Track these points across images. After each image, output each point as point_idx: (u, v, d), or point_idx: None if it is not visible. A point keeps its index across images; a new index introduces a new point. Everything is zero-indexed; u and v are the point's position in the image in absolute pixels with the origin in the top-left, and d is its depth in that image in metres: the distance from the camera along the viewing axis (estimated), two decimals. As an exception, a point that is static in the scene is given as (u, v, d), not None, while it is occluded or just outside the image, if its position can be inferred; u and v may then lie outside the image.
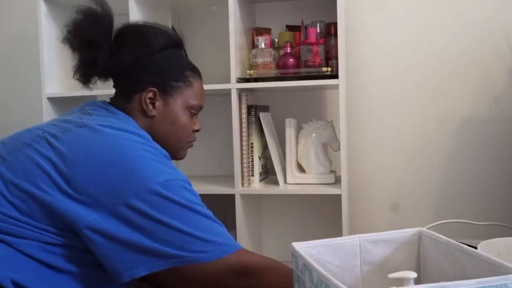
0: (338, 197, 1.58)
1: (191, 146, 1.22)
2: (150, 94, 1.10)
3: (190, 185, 1.03)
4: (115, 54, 1.09)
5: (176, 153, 1.18)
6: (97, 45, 1.07)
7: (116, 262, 0.93)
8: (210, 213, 1.01)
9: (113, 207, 0.92)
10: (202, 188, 1.71)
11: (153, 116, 1.11)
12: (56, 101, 1.81)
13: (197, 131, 1.21)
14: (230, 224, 1.78)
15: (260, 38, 1.68)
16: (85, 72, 1.11)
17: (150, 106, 1.10)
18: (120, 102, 1.12)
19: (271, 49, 1.69)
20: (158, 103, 1.11)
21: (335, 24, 1.60)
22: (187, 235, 0.94)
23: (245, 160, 1.66)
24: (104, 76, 1.13)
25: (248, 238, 1.73)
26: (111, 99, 1.15)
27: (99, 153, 0.95)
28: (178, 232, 0.94)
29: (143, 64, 1.10)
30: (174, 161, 2.00)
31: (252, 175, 1.67)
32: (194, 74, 1.19)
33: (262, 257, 1.09)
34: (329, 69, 1.60)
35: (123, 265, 0.93)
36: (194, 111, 1.17)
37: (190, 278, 0.97)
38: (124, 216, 0.92)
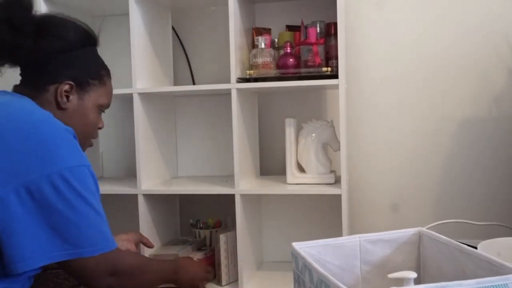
0: (338, 197, 1.58)
1: (92, 145, 1.25)
2: (67, 87, 1.12)
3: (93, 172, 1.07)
4: (37, 42, 1.09)
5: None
6: (21, 30, 1.07)
7: (10, 247, 0.93)
8: (100, 207, 1.05)
9: (18, 182, 0.93)
10: (202, 188, 1.71)
11: (65, 109, 1.13)
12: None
13: (100, 128, 1.25)
14: (230, 224, 1.78)
15: (260, 38, 1.68)
16: (1, 55, 1.10)
17: (65, 99, 1.12)
18: (27, 90, 1.11)
19: (271, 49, 1.69)
20: (72, 97, 1.13)
21: (335, 24, 1.60)
22: (76, 227, 0.98)
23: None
24: (17, 62, 1.13)
25: (248, 238, 1.73)
26: (15, 87, 1.15)
27: (13, 128, 0.97)
28: (69, 223, 0.97)
29: (65, 57, 1.13)
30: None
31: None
32: (107, 74, 1.22)
33: (133, 257, 1.16)
34: (329, 69, 1.60)
35: (17, 252, 0.93)
36: (103, 109, 1.22)
37: (73, 270, 1.02)
38: (27, 193, 0.93)
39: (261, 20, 1.92)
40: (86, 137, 1.19)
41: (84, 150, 1.18)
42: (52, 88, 1.11)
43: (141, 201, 1.70)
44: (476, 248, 1.12)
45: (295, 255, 1.05)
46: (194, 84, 2.00)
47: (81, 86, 1.15)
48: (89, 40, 1.19)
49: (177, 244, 1.80)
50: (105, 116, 2.07)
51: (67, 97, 1.13)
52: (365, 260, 1.13)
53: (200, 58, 2.01)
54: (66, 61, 1.13)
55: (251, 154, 1.80)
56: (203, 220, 1.92)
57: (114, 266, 1.05)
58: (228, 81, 1.63)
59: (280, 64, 1.66)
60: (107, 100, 1.22)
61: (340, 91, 1.58)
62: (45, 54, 1.11)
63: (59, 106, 1.12)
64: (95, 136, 1.23)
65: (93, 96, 1.17)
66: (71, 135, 1.04)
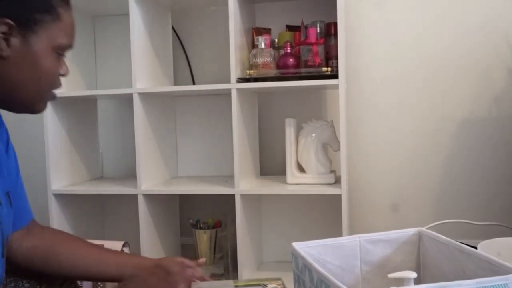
0: (338, 197, 1.58)
1: (54, 98, 0.99)
2: (4, 28, 0.84)
3: None
4: None
5: (34, 105, 0.95)
6: None
7: None
8: None
9: None
10: (202, 188, 1.71)
11: (5, 58, 0.86)
12: (57, 102, 1.81)
13: (63, 75, 0.98)
14: (230, 223, 1.78)
15: (260, 38, 1.68)
16: None
17: (4, 44, 0.85)
18: None
19: (271, 49, 1.69)
20: (14, 40, 0.86)
21: (335, 24, 1.60)
22: None
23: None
24: None
25: (248, 238, 1.73)
26: None
27: None
28: None
29: None
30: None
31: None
32: (63, 3, 0.93)
33: None
34: (329, 69, 1.60)
35: None
36: (62, 52, 0.94)
37: None
38: None
39: (261, 20, 1.92)
40: (41, 89, 0.93)
41: (42, 106, 0.96)
42: None
43: (141, 201, 1.70)
44: (476, 248, 1.12)
45: (295, 255, 1.05)
46: (194, 84, 2.00)
47: (25, 24, 0.86)
48: None
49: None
50: (105, 116, 2.09)
51: (7, 41, 0.85)
52: (365, 260, 1.13)
53: (200, 58, 2.01)
54: None
55: (251, 154, 1.80)
56: (203, 220, 1.92)
57: None
58: (228, 81, 1.63)
59: (280, 64, 1.66)
60: (66, 39, 0.93)
61: (340, 91, 1.58)
62: None
63: None
64: (56, 86, 0.97)
65: (44, 37, 0.89)
66: None
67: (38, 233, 1.07)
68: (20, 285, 1.03)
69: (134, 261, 1.10)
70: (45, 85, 0.93)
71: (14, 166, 1.03)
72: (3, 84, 0.88)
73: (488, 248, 1.21)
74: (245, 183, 1.70)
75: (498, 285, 0.78)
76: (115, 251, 1.17)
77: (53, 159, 1.78)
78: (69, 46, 0.95)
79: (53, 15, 0.90)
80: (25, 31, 0.87)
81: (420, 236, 1.15)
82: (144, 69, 1.74)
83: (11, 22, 0.85)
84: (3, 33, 0.85)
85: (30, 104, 0.94)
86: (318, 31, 1.71)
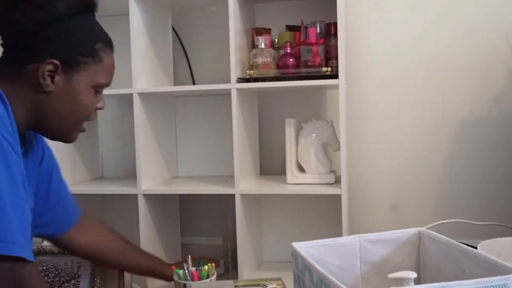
0: (338, 197, 1.58)
1: (84, 130, 1.08)
2: (50, 67, 0.95)
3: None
4: (8, 17, 0.93)
5: (67, 135, 1.05)
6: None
7: None
8: (20, 201, 0.88)
9: None
10: (202, 188, 1.71)
11: (49, 92, 0.97)
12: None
13: (100, 109, 1.08)
14: (230, 224, 1.78)
15: (260, 38, 1.68)
16: None
17: (49, 80, 0.96)
18: (5, 69, 0.97)
19: (271, 49, 1.69)
20: (58, 78, 0.97)
21: (335, 24, 1.60)
22: None
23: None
24: None
25: (248, 238, 1.73)
26: None
27: None
28: None
29: (44, 32, 0.95)
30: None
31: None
32: (106, 47, 1.04)
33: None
34: (329, 69, 1.60)
35: None
36: (100, 89, 1.05)
37: None
38: None
39: (261, 20, 1.92)
40: (76, 122, 1.03)
41: (74, 136, 1.06)
42: (31, 67, 0.95)
43: (141, 201, 1.70)
44: (476, 248, 1.12)
45: (295, 255, 1.05)
46: (194, 84, 2.00)
47: (69, 65, 0.97)
48: (78, 7, 0.99)
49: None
50: (105, 116, 2.09)
51: (51, 78, 0.96)
52: (365, 260, 1.13)
53: (200, 58, 2.01)
54: (46, 36, 0.95)
55: (251, 154, 1.80)
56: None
57: (21, 280, 0.86)
58: (228, 81, 1.63)
59: (280, 64, 1.66)
60: (105, 79, 1.04)
61: (340, 91, 1.58)
62: (20, 31, 0.94)
63: (39, 89, 0.96)
64: (91, 119, 1.06)
65: (85, 76, 1.00)
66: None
67: (90, 229, 1.31)
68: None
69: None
70: (80, 118, 1.03)
71: (47, 176, 1.17)
72: (43, 115, 0.98)
73: (488, 248, 1.21)
74: (245, 183, 1.70)
75: (498, 285, 0.78)
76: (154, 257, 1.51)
77: (53, 159, 1.78)
78: (107, 84, 1.06)
79: (95, 58, 1.01)
80: (69, 71, 0.97)
81: (420, 236, 1.15)
82: (144, 69, 1.74)
83: (58, 63, 0.95)
84: (49, 71, 0.95)
85: (65, 133, 1.04)
86: (318, 31, 1.71)
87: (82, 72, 0.99)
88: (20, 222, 0.86)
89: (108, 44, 1.06)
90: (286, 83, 1.62)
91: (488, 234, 1.42)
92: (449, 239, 1.05)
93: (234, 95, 1.61)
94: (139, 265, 1.43)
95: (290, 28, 1.83)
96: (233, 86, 1.61)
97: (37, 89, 0.96)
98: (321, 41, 1.66)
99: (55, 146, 1.79)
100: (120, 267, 1.42)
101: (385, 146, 1.89)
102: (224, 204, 1.84)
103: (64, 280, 1.23)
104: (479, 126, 1.82)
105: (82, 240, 1.28)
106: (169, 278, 1.47)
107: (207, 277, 1.54)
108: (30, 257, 0.87)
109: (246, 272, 1.69)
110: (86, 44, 1.00)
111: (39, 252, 1.41)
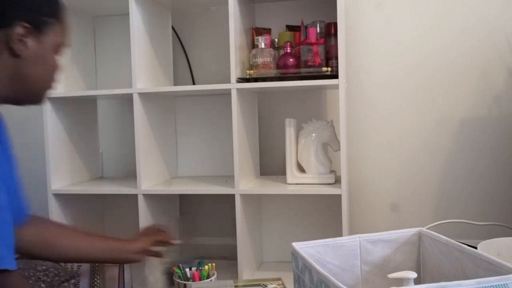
0: (338, 197, 1.58)
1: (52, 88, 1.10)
2: (21, 31, 0.95)
3: None
4: None
5: (41, 98, 1.06)
6: None
7: None
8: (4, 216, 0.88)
9: None
10: (202, 188, 1.71)
11: (22, 56, 0.97)
12: (58, 102, 1.81)
13: (60, 70, 1.10)
14: (230, 224, 1.78)
15: (260, 38, 1.68)
16: None
17: (21, 44, 0.96)
18: None
19: (271, 49, 1.69)
20: (30, 41, 0.97)
21: (335, 24, 1.60)
22: None
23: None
24: None
25: (248, 238, 1.73)
26: None
27: None
28: None
29: None
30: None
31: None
32: (63, 7, 1.06)
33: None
34: (329, 69, 1.60)
35: None
36: (62, 49, 1.06)
37: None
38: None
39: (261, 20, 1.92)
40: (48, 84, 1.04)
41: (45, 97, 1.07)
42: (1, 34, 0.94)
43: (141, 201, 1.70)
44: (476, 248, 1.12)
45: (295, 255, 1.05)
46: (194, 84, 2.00)
47: (38, 27, 0.98)
48: None
49: None
50: (105, 116, 2.09)
51: (23, 42, 0.96)
52: (365, 260, 1.13)
53: (200, 58, 2.01)
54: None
55: (251, 154, 1.80)
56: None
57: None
58: (228, 81, 1.63)
59: (280, 64, 1.66)
60: (66, 38, 1.06)
61: (340, 91, 1.58)
62: None
63: (13, 53, 0.95)
64: (57, 80, 1.07)
65: (52, 36, 1.01)
66: None
67: (35, 225, 1.19)
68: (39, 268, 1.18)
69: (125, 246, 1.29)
70: (49, 80, 1.04)
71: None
72: (17, 80, 0.98)
73: (488, 248, 1.21)
74: (245, 183, 1.70)
75: (498, 285, 0.78)
76: (105, 238, 1.32)
77: (53, 159, 1.78)
78: (68, 43, 1.08)
79: (58, 18, 1.03)
80: (38, 33, 0.98)
81: (420, 236, 1.15)
82: (144, 69, 1.74)
83: (28, 25, 0.96)
84: (20, 35, 0.95)
85: (38, 96, 1.04)
86: (318, 31, 1.71)
87: (49, 32, 1.00)
88: (1, 233, 0.86)
89: (62, 5, 1.07)
90: (286, 83, 1.62)
91: (488, 234, 1.42)
92: (449, 239, 1.05)
93: (234, 95, 1.61)
94: (99, 249, 1.25)
95: (290, 28, 1.83)
96: (233, 86, 1.61)
97: (9, 55, 0.96)
98: (321, 41, 1.66)
99: (55, 146, 1.80)
100: (76, 259, 1.30)
101: (385, 146, 1.89)
102: (224, 204, 1.84)
103: (64, 280, 1.23)
104: (479, 126, 1.82)
105: (26, 236, 1.16)
106: (133, 256, 1.30)
107: (208, 277, 1.54)
108: (13, 266, 0.87)
109: (246, 272, 1.69)
110: (48, 5, 1.02)
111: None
